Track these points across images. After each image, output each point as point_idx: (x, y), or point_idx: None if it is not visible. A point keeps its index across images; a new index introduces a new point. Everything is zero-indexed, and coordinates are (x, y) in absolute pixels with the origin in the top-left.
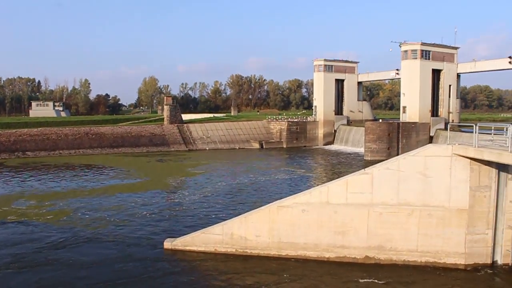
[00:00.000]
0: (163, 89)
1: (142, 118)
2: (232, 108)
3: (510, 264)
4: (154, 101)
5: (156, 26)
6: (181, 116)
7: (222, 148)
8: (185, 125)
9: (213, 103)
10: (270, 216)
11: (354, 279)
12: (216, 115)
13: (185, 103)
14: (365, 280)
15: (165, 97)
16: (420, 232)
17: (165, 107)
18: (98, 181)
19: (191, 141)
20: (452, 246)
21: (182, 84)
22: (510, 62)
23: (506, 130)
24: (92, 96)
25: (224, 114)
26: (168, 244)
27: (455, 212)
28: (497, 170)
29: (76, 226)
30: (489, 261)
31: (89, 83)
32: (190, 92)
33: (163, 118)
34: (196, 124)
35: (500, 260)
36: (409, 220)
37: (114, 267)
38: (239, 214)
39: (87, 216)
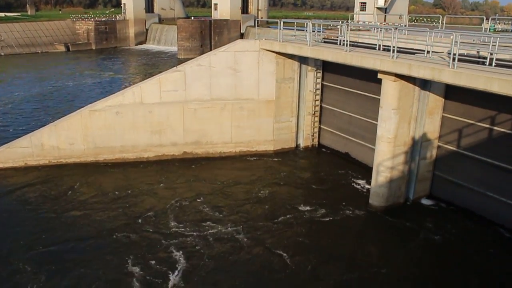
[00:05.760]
0: None
1: None
2: (28, 6)
3: (309, 146)
4: None
5: None
6: None
7: (21, 52)
8: None
9: (4, 1)
10: (82, 121)
11: (174, 173)
12: (8, 14)
13: None
14: (183, 171)
15: None
16: (233, 125)
17: None
18: None
19: None
20: (263, 135)
21: None
22: None
23: (307, 26)
24: None
25: (19, 14)
26: None
27: (264, 104)
28: (299, 63)
29: None
30: (293, 145)
31: None
32: None
33: None
34: None
35: (302, 143)
36: (223, 114)
37: None
38: (48, 123)
39: None
